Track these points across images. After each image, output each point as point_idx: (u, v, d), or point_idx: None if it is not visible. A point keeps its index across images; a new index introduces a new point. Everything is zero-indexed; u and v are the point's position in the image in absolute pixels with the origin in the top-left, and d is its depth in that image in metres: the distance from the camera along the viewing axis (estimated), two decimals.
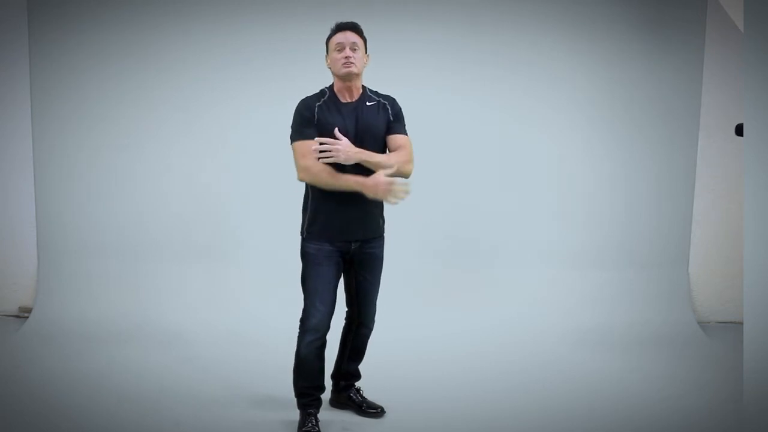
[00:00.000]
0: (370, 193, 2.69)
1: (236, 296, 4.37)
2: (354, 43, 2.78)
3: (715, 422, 3.16)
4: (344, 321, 3.12)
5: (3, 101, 4.41)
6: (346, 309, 3.09)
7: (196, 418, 3.08)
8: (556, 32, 4.45)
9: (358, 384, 3.23)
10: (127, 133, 4.38)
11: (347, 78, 2.79)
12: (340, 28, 2.81)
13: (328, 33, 2.86)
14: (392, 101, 2.94)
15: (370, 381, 3.27)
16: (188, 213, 4.43)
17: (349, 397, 3.19)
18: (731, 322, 4.68)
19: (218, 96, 4.37)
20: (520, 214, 4.54)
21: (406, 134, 2.91)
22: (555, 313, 4.41)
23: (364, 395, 3.21)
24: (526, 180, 4.54)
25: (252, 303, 4.31)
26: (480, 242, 4.53)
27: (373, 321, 3.08)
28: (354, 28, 2.81)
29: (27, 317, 4.34)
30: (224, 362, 3.77)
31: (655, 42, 4.48)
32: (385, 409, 3.17)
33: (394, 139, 2.88)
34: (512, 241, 4.54)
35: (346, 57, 2.75)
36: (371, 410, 3.15)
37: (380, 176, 2.68)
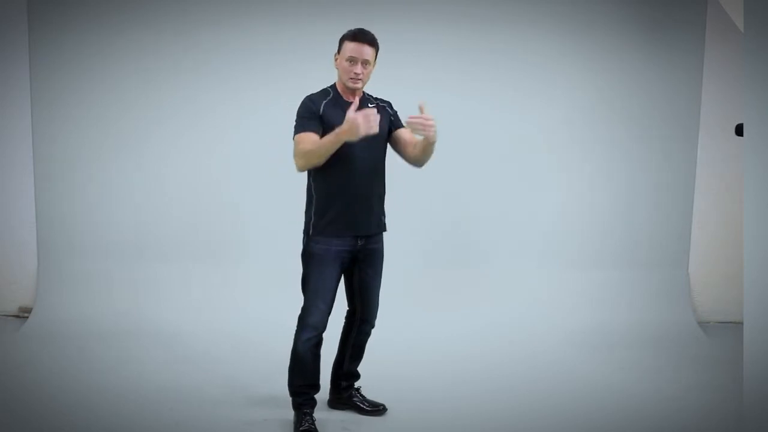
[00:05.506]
0: (352, 134, 2.57)
1: (236, 296, 4.37)
2: (366, 60, 2.78)
3: (715, 422, 3.16)
4: (344, 320, 3.12)
5: (3, 101, 4.41)
6: (348, 308, 3.10)
7: (196, 417, 3.08)
8: (556, 32, 4.45)
9: (357, 384, 3.23)
10: (127, 133, 4.39)
11: (352, 89, 2.84)
12: (358, 38, 2.77)
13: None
14: (389, 103, 3.03)
15: (371, 381, 3.27)
16: (188, 213, 4.43)
17: (350, 397, 3.19)
18: (731, 322, 4.68)
19: (219, 96, 4.37)
20: (520, 214, 4.54)
21: None
22: (555, 313, 4.41)
23: (364, 394, 3.21)
24: (526, 180, 4.54)
25: (252, 303, 4.31)
26: (480, 242, 4.53)
27: (375, 317, 3.09)
28: (372, 42, 2.79)
29: (27, 317, 4.34)
30: (224, 362, 3.77)
31: (655, 42, 4.48)
32: (386, 409, 3.17)
33: (404, 132, 2.94)
34: (512, 241, 4.54)
35: (355, 73, 2.77)
36: (374, 408, 3.16)
37: (358, 116, 2.55)
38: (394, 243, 4.39)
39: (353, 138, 2.58)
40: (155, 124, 4.39)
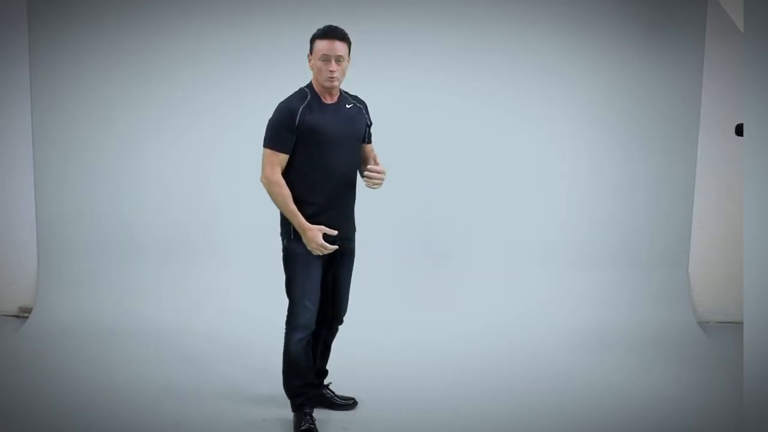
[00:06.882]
0: (304, 240, 2.79)
1: (236, 296, 4.37)
2: (340, 56, 2.75)
3: (715, 422, 3.16)
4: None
5: (3, 101, 4.41)
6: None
7: (196, 418, 3.09)
8: (556, 32, 4.44)
9: (327, 380, 3.25)
10: (127, 133, 4.38)
11: (329, 88, 2.82)
12: (327, 35, 2.76)
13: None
14: (365, 105, 3.01)
15: (371, 381, 3.28)
16: (188, 213, 4.43)
17: (323, 396, 3.20)
18: (731, 322, 4.68)
19: (219, 96, 4.37)
20: (520, 214, 4.54)
21: None
22: (555, 313, 4.41)
23: (333, 390, 3.24)
24: (526, 180, 4.53)
25: (252, 303, 4.31)
26: (480, 242, 4.53)
27: (345, 314, 3.12)
28: (342, 37, 2.77)
29: (27, 317, 4.34)
30: (224, 362, 3.77)
31: (655, 42, 4.48)
32: (383, 410, 3.18)
33: (369, 147, 3.02)
34: (512, 241, 4.54)
35: (330, 71, 2.75)
36: (345, 402, 3.20)
37: (319, 236, 2.76)
38: (394, 243, 4.40)
39: (303, 239, 2.79)
40: (155, 124, 4.39)
